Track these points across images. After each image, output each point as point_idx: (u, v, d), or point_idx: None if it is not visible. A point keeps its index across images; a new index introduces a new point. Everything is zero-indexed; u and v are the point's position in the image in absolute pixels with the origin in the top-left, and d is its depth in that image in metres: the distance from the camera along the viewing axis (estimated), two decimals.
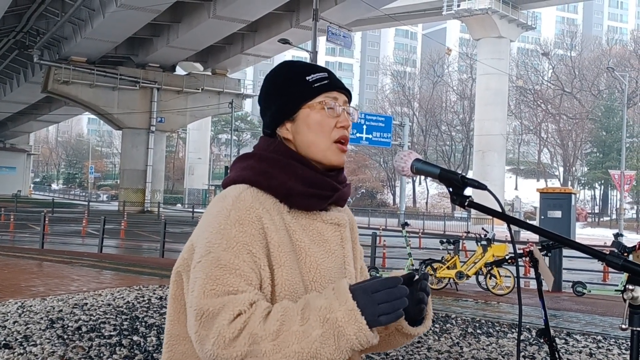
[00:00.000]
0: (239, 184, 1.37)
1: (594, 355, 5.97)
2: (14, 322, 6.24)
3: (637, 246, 8.06)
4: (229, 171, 1.46)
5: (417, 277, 1.36)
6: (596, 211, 60.08)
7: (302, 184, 1.37)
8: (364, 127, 32.02)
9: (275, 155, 1.40)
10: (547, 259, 3.15)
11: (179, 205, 59.33)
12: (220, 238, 1.28)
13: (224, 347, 1.18)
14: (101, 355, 5.18)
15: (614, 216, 53.85)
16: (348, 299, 1.18)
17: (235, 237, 1.28)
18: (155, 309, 7.30)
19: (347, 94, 1.47)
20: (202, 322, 1.21)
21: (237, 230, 1.28)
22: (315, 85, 1.41)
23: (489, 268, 10.44)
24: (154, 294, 8.48)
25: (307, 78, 1.42)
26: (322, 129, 1.40)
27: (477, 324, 7.33)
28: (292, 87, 1.42)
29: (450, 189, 1.36)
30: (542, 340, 3.46)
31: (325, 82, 1.43)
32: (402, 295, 1.20)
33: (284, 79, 1.45)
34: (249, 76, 78.49)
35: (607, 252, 1.27)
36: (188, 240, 1.39)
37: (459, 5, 46.10)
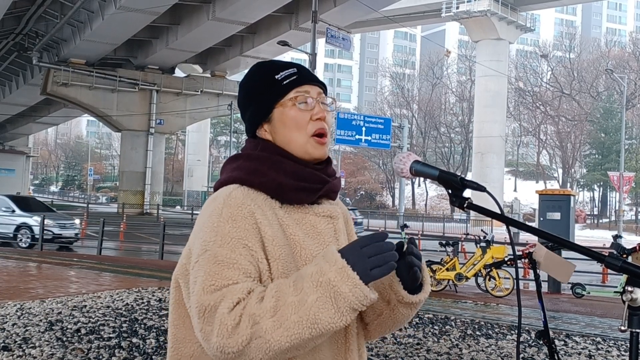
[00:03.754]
0: (229, 185, 1.39)
1: (593, 357, 5.97)
2: (13, 325, 6.23)
3: (637, 248, 8.07)
4: (220, 174, 1.47)
5: (406, 245, 1.36)
6: (595, 213, 60.12)
7: (291, 178, 1.38)
8: (363, 129, 32.01)
9: (262, 153, 1.41)
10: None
11: (178, 207, 59.26)
12: (215, 235, 1.29)
13: (229, 336, 1.18)
14: (100, 357, 5.17)
15: (613, 218, 53.89)
16: (337, 258, 1.19)
17: (230, 233, 1.29)
18: (154, 311, 7.29)
19: (321, 85, 1.47)
20: (205, 317, 1.22)
21: (230, 226, 1.30)
22: (285, 82, 1.43)
23: (488, 270, 10.44)
24: (153, 296, 8.48)
25: (276, 77, 1.43)
26: (298, 125, 1.41)
27: (477, 326, 7.33)
28: (262, 89, 1.44)
29: (450, 191, 1.36)
30: (541, 342, 3.46)
31: (294, 77, 1.43)
32: (390, 248, 1.20)
33: (254, 82, 1.47)
34: None
35: (606, 254, 1.27)
36: (186, 246, 1.40)
37: (457, 7, 46.16)
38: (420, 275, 1.40)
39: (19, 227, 18.16)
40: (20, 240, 18.23)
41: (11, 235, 18.37)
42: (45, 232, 17.60)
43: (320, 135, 1.43)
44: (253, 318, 1.18)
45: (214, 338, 1.19)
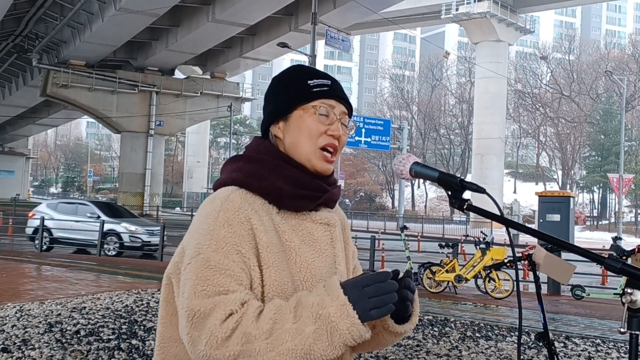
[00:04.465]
0: (228, 186, 1.38)
1: (592, 359, 5.97)
2: (13, 326, 6.23)
3: (636, 249, 8.06)
4: (220, 173, 1.47)
5: (401, 275, 1.35)
6: (595, 214, 60.11)
7: (291, 185, 1.38)
8: (363, 130, 32.03)
9: (264, 157, 1.41)
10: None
11: (178, 208, 59.27)
12: (210, 239, 1.29)
13: (217, 347, 1.18)
14: (99, 359, 5.17)
15: (612, 219, 53.91)
16: (339, 294, 1.19)
17: (225, 237, 1.28)
18: (153, 312, 7.28)
19: (347, 105, 1.47)
20: (194, 323, 1.21)
21: (226, 231, 1.29)
22: (315, 89, 1.42)
23: (488, 271, 10.44)
24: (153, 297, 8.47)
25: (309, 82, 1.43)
26: (311, 133, 1.41)
27: (476, 328, 7.32)
28: (291, 89, 1.44)
29: (449, 192, 1.36)
30: (540, 344, 3.46)
31: (325, 88, 1.43)
32: (392, 289, 1.21)
33: (286, 79, 1.47)
34: (248, 80, 78.59)
35: (606, 256, 1.27)
36: (180, 244, 1.40)
37: (457, 9, 46.21)
38: (411, 308, 1.40)
39: (105, 234, 16.86)
40: (107, 248, 17.04)
41: (97, 242, 17.18)
42: (133, 239, 16.56)
43: (328, 151, 1.42)
44: (247, 336, 1.18)
45: (202, 346, 1.19)
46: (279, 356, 1.17)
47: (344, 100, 1.46)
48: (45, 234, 17.77)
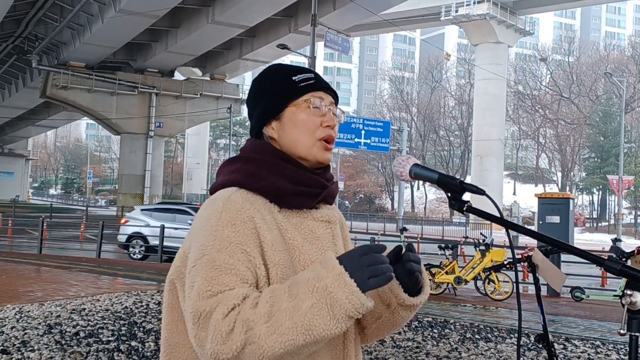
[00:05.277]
0: (228, 187, 1.38)
1: None
2: (12, 328, 6.22)
3: (636, 251, 8.06)
4: (216, 176, 1.46)
5: (404, 250, 1.36)
6: (594, 216, 60.09)
7: (290, 182, 1.38)
8: (363, 132, 32.01)
9: (261, 156, 1.40)
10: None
11: None
12: (213, 240, 1.28)
13: (223, 342, 1.17)
14: None
15: (612, 221, 53.89)
16: (335, 265, 1.18)
17: (229, 237, 1.28)
18: (153, 314, 7.28)
19: (334, 95, 1.48)
20: (200, 323, 1.20)
21: (229, 230, 1.28)
22: (302, 84, 1.43)
23: (488, 273, 10.44)
24: (152, 299, 8.46)
25: (294, 78, 1.44)
26: (308, 127, 1.41)
27: (476, 329, 7.32)
28: (278, 87, 1.44)
29: (449, 194, 1.36)
30: (540, 346, 3.46)
31: (312, 81, 1.44)
32: (387, 261, 1.20)
33: (270, 80, 1.47)
34: (248, 81, 78.49)
35: (606, 258, 1.27)
36: (180, 248, 1.39)
37: (457, 11, 46.25)
38: (421, 279, 1.40)
39: None
40: None
41: None
42: None
43: (327, 141, 1.43)
44: (247, 324, 1.16)
45: (208, 344, 1.18)
46: (280, 337, 1.15)
47: (331, 90, 1.47)
48: (140, 241, 16.82)
